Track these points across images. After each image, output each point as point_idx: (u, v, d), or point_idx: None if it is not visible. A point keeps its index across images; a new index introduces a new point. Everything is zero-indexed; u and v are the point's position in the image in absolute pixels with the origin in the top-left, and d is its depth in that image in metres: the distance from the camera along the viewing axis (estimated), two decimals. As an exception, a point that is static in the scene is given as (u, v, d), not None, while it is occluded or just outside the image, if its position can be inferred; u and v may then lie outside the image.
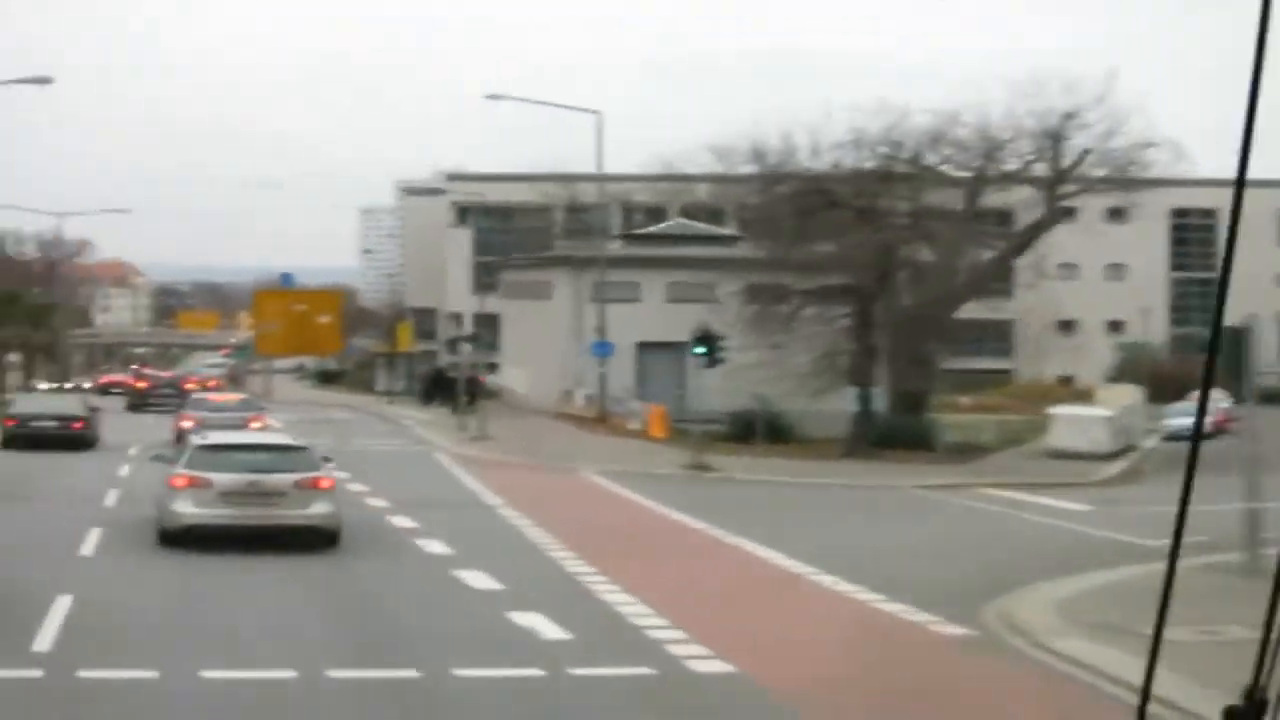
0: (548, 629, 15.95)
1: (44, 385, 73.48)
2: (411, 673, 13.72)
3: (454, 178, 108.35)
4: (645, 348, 58.34)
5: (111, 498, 28.43)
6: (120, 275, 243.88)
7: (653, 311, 59.14)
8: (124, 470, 33.73)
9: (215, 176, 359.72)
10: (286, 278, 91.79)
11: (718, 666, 14.22)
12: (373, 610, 17.62)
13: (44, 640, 14.35)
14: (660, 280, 60.82)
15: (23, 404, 47.16)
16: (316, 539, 21.51)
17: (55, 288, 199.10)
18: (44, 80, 49.64)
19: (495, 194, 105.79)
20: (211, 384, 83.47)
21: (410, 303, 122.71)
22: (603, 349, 53.15)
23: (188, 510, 21.09)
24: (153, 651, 14.09)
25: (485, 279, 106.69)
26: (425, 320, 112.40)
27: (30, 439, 40.74)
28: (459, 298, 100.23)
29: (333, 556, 21.46)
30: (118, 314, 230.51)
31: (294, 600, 18.15)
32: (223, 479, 21.19)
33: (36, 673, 13.03)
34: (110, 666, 13.36)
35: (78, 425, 42.56)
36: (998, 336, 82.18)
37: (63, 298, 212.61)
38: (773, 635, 16.37)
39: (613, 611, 17.34)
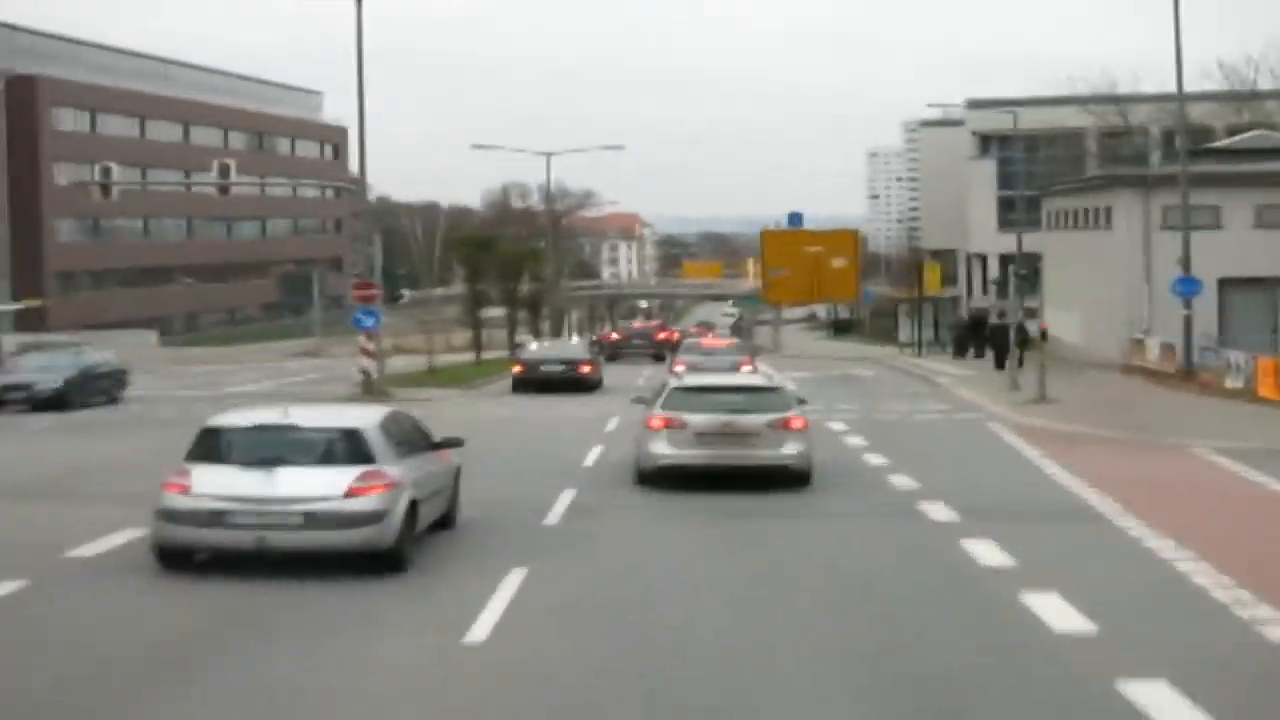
0: None
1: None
2: None
3: (975, 104, 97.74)
4: (1228, 284, 48.01)
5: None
6: (627, 227, 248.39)
7: (1237, 241, 48.45)
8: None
9: (717, 129, 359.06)
10: (795, 218, 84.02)
11: None
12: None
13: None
14: (1246, 202, 49.78)
15: (532, 350, 49.44)
16: (788, 478, 21.46)
17: (556, 240, 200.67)
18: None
19: (1023, 120, 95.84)
20: (696, 332, 80.00)
21: (926, 244, 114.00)
22: (1189, 286, 42.35)
23: (663, 450, 21.55)
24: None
25: (1009, 215, 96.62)
26: (945, 263, 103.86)
27: (538, 383, 43.64)
28: (983, 237, 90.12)
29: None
30: (623, 267, 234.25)
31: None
32: (697, 419, 21.49)
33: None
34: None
35: (584, 369, 45.05)
36: None
37: (566, 250, 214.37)
38: None
39: None
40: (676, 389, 22.81)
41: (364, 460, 14.95)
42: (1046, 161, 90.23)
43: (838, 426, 31.76)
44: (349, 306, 46.42)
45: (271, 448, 14.98)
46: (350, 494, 14.54)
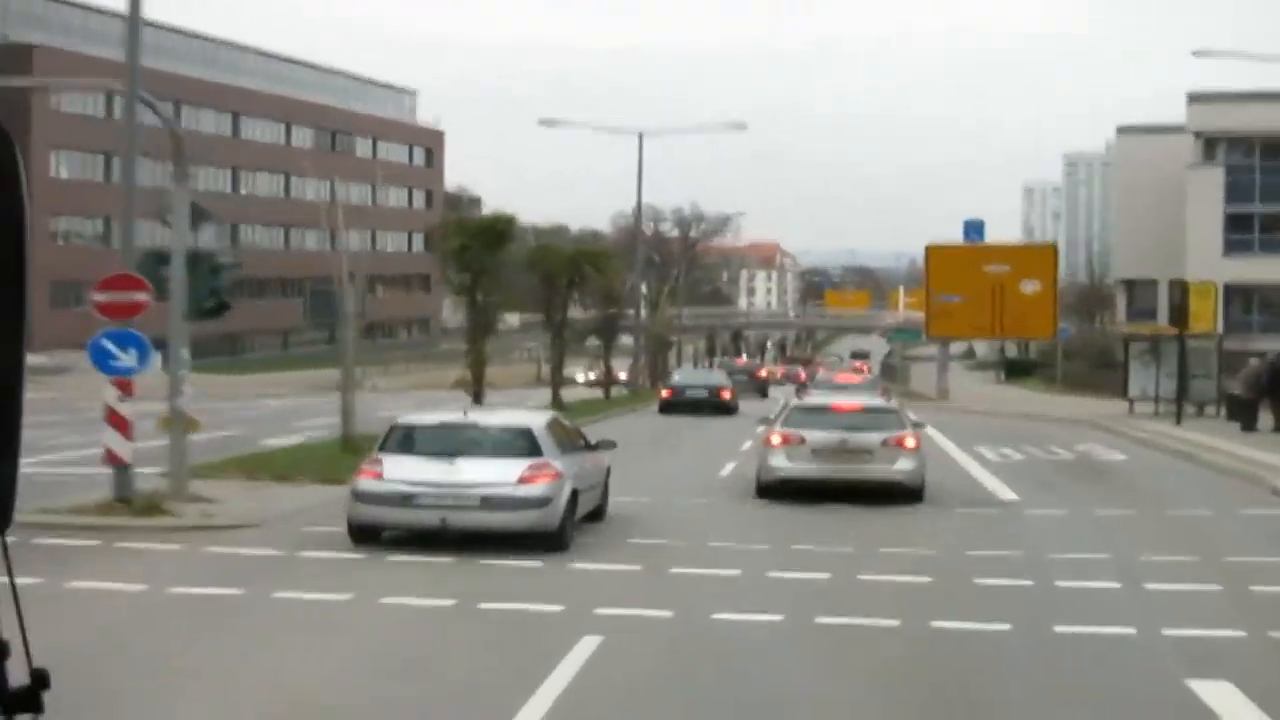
0: None
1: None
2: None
3: (1198, 98, 77.19)
4: None
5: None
6: (768, 255, 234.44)
7: None
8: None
9: (863, 163, 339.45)
10: (974, 228, 63.91)
11: None
12: None
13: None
14: None
15: (678, 376, 57.14)
16: (901, 494, 22.00)
17: (688, 266, 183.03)
18: None
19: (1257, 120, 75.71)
20: (795, 374, 76.78)
21: (1119, 273, 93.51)
22: None
23: (782, 464, 22.55)
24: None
25: (1235, 235, 76.55)
26: (1142, 296, 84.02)
27: (684, 405, 48.57)
28: (1204, 262, 69.67)
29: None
30: (760, 296, 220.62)
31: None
32: (815, 436, 22.54)
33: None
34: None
35: (724, 394, 50.13)
36: None
37: (700, 278, 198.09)
38: None
39: None
40: (796, 408, 24.66)
41: (533, 454, 17.24)
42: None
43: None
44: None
45: (453, 441, 17.56)
46: (521, 481, 16.85)
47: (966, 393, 66.14)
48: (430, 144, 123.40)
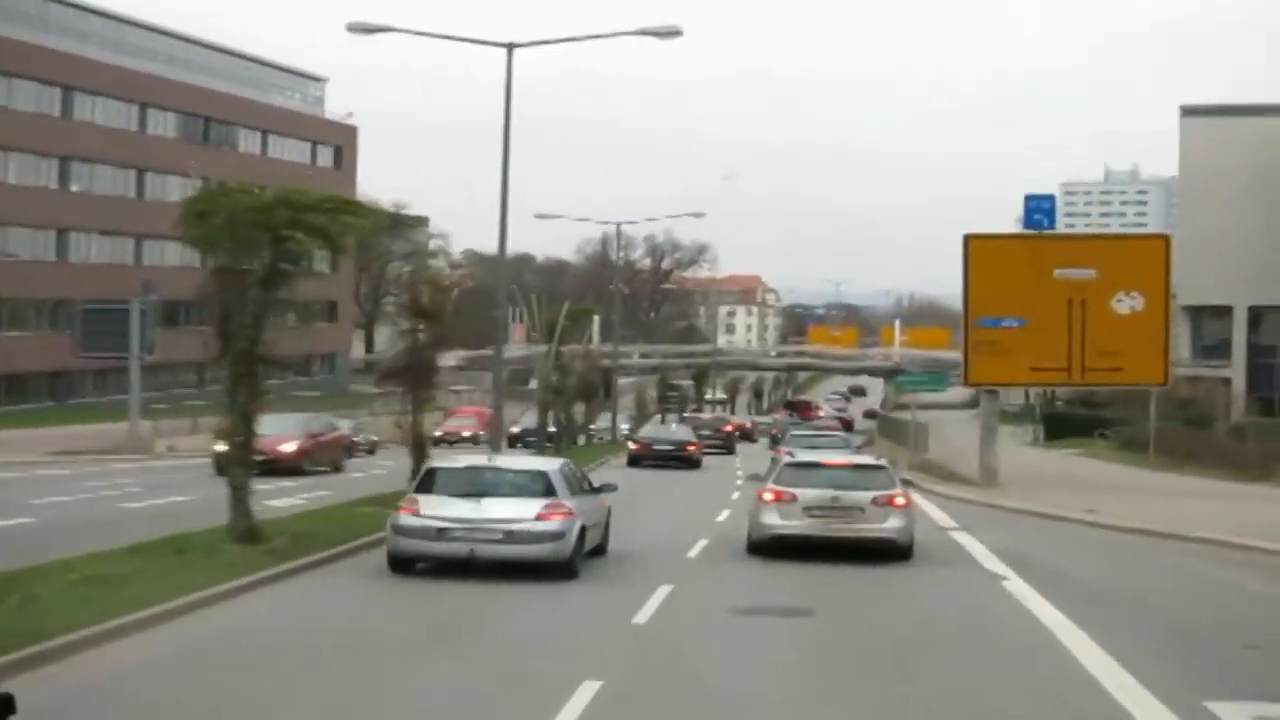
0: None
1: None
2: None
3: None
4: None
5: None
6: (749, 290, 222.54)
7: None
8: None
9: (844, 201, 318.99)
10: (1041, 210, 42.82)
11: None
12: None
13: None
14: None
15: (645, 431, 60.48)
16: (890, 552, 22.36)
17: (659, 299, 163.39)
18: None
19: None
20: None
21: (1184, 299, 74.01)
22: None
23: (774, 521, 22.86)
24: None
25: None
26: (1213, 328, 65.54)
27: (652, 458, 50.66)
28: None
29: None
30: (740, 334, 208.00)
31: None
32: (806, 494, 22.82)
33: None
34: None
35: (690, 448, 52.79)
36: None
37: (673, 313, 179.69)
38: None
39: None
40: (787, 465, 24.34)
41: (548, 494, 19.80)
42: None
43: None
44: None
45: (479, 483, 20.15)
46: (539, 517, 19.34)
47: (1018, 469, 45.07)
48: (339, 141, 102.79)
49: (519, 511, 19.13)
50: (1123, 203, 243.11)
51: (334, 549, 21.12)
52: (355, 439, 52.67)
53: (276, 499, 27.58)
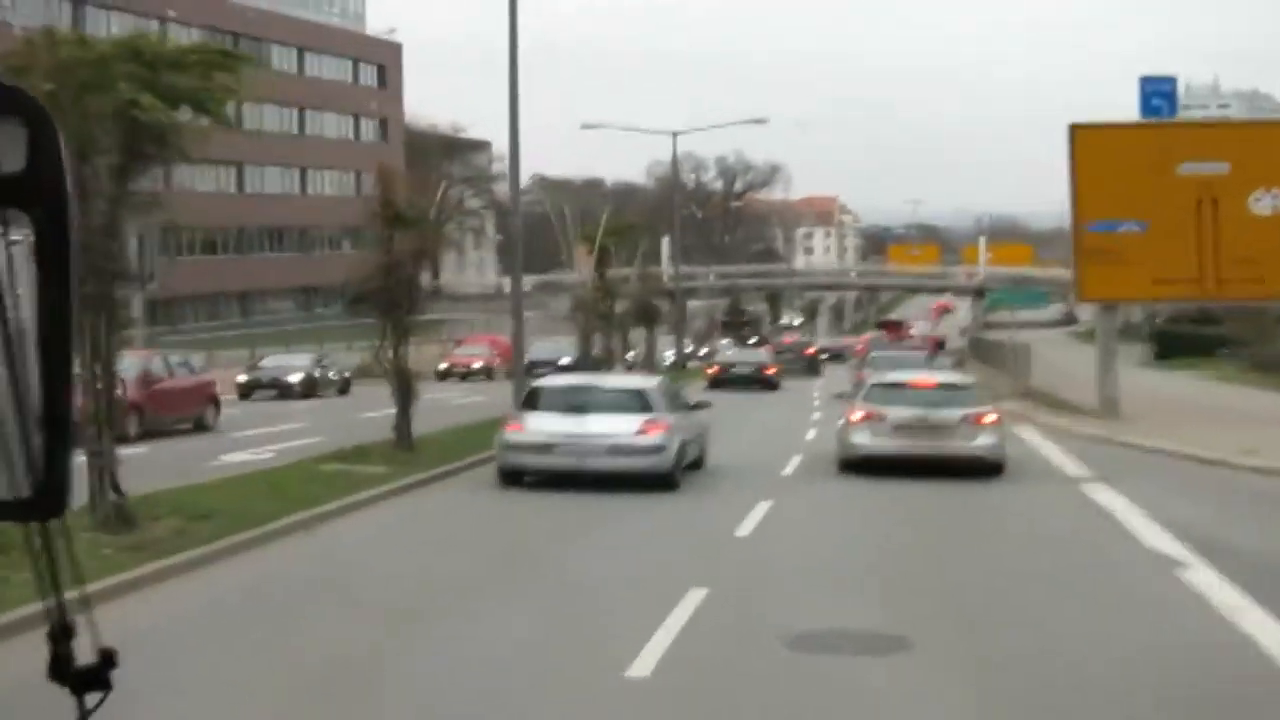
0: None
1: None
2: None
3: None
4: None
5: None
6: (825, 211, 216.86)
7: None
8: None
9: (926, 118, 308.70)
10: (1160, 93, 35.74)
11: None
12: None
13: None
14: None
15: (725, 354, 61.73)
16: (982, 468, 22.27)
17: (733, 222, 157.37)
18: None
19: None
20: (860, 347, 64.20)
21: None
22: None
23: (864, 441, 22.87)
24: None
25: None
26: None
27: (731, 381, 51.41)
28: None
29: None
30: (818, 256, 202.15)
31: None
32: (896, 412, 22.75)
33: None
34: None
35: (769, 371, 54.37)
36: None
37: (749, 236, 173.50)
38: None
39: None
40: (876, 384, 24.37)
41: (646, 410, 20.63)
42: None
43: None
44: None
45: (580, 400, 21.01)
46: (640, 432, 20.13)
47: (1139, 397, 38.10)
48: (383, 59, 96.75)
49: (621, 427, 20.10)
50: (1204, 117, 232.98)
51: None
52: (289, 380, 45.34)
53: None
